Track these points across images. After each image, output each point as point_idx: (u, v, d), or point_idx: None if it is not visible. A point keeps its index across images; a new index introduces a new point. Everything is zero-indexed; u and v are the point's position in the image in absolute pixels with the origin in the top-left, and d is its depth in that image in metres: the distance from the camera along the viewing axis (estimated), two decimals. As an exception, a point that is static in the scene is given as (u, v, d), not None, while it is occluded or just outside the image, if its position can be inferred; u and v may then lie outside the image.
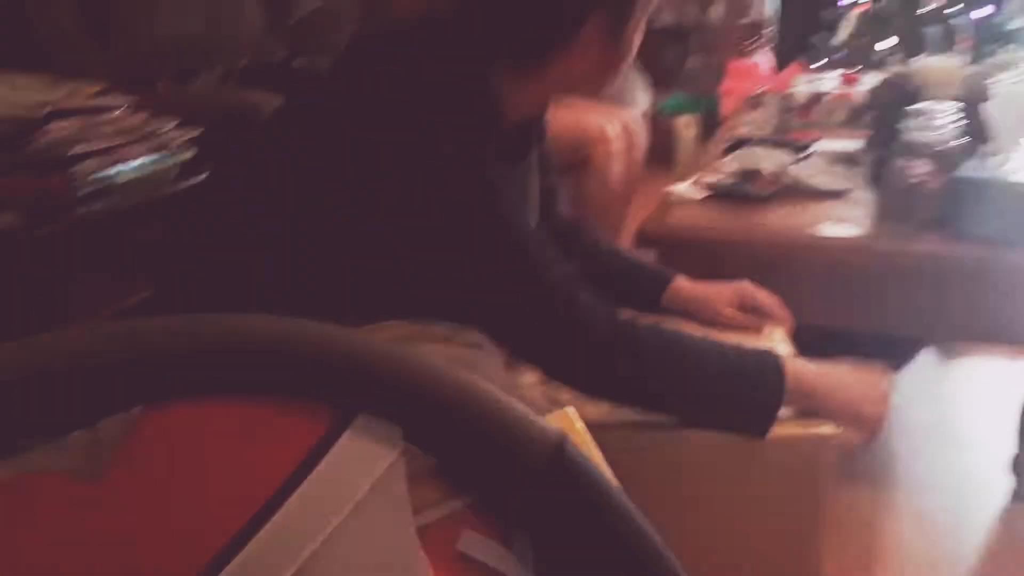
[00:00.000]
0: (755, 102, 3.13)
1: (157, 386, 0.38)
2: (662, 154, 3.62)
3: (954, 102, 1.41)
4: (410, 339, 0.60)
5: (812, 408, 0.87)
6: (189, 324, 0.39)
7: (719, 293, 1.13)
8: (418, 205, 0.79)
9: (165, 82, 1.88)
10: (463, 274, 0.81)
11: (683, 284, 1.15)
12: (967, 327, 1.30)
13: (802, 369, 0.88)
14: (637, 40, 0.93)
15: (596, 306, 0.85)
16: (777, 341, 1.10)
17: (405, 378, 0.39)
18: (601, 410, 0.88)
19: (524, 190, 1.00)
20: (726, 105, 3.42)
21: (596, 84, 0.93)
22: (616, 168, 2.06)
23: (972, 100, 1.47)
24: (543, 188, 1.12)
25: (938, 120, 1.35)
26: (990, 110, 1.39)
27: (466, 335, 0.78)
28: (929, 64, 1.62)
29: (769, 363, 0.86)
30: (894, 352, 1.77)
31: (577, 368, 0.84)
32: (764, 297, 1.13)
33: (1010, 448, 1.38)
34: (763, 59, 3.73)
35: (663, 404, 0.86)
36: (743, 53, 3.75)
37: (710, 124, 3.50)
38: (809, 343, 1.10)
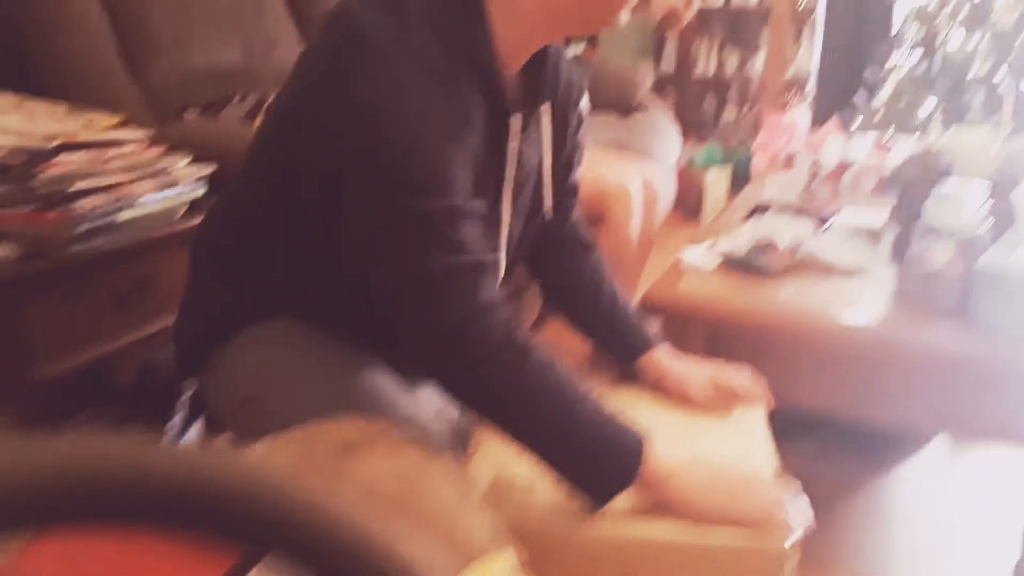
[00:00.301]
0: (788, 160, 3.09)
1: (47, 510, 0.35)
2: (691, 206, 3.59)
3: (984, 183, 1.37)
4: (361, 441, 0.57)
5: (670, 504, 0.82)
6: (92, 446, 0.37)
7: (694, 371, 1.09)
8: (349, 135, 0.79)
9: (193, 113, 1.90)
10: (360, 227, 0.82)
11: (662, 355, 1.10)
12: (982, 424, 1.23)
13: (667, 463, 0.83)
14: None
15: (496, 308, 0.81)
16: (750, 426, 1.05)
17: (320, 523, 0.36)
18: (553, 500, 0.85)
19: (498, 155, 0.93)
20: (759, 160, 3.38)
21: (589, 8, 0.88)
22: (634, 224, 2.03)
23: (1004, 181, 1.42)
24: (560, 182, 1.07)
25: (964, 203, 1.30)
26: (1021, 195, 1.34)
27: (423, 438, 0.75)
28: (963, 139, 1.57)
29: (631, 443, 0.82)
30: (901, 440, 1.71)
31: (449, 363, 0.82)
32: (742, 381, 1.08)
33: (1015, 553, 1.31)
34: (801, 116, 3.69)
35: (516, 431, 0.83)
36: (781, 108, 3.71)
37: (742, 178, 3.46)
38: (799, 427, 1.05)
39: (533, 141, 0.98)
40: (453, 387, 0.84)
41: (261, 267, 0.96)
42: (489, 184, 0.92)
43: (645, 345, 1.11)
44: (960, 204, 1.30)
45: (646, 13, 1.83)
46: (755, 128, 3.80)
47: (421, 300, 0.81)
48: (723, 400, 1.06)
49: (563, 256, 1.15)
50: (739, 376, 1.10)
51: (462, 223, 0.81)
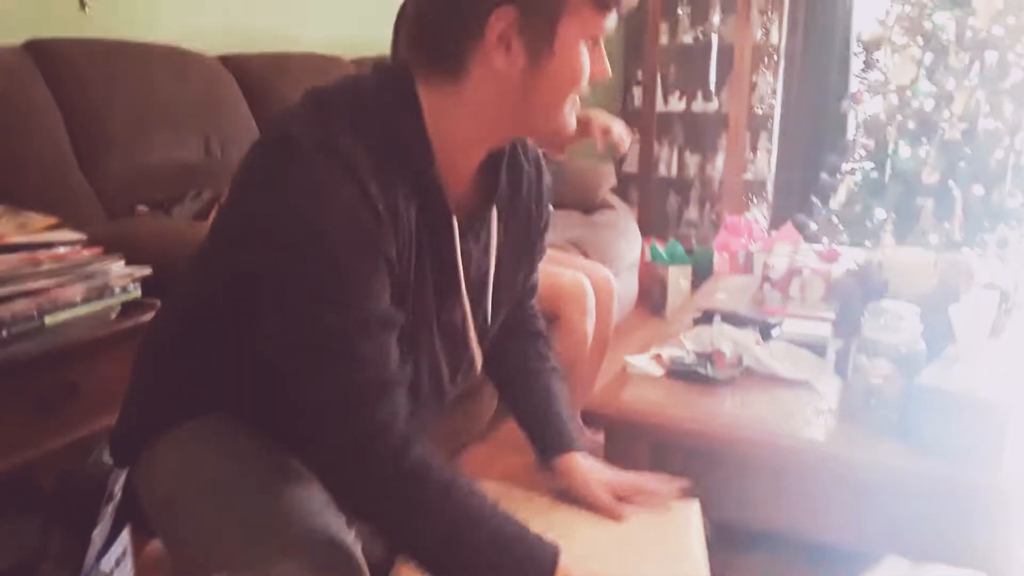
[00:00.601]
0: (747, 260, 3.14)
1: None
2: (655, 302, 3.61)
3: (920, 301, 1.38)
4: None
5: None
6: None
7: (600, 474, 1.09)
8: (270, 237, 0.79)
9: (144, 210, 1.90)
10: (273, 338, 0.81)
11: (577, 458, 1.10)
12: (922, 545, 1.21)
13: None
14: (575, 65, 0.86)
15: (395, 426, 0.80)
16: (685, 547, 1.02)
17: None
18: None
19: (445, 257, 0.91)
20: (719, 259, 3.44)
21: (527, 105, 0.87)
22: (589, 324, 2.03)
23: (941, 298, 1.44)
24: (524, 281, 1.08)
25: (901, 320, 1.31)
26: (957, 312, 1.35)
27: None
28: (900, 255, 1.61)
29: (539, 564, 0.80)
30: (856, 555, 1.67)
31: (346, 480, 0.81)
32: (654, 486, 1.08)
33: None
34: (759, 217, 3.78)
35: (416, 554, 0.82)
36: (740, 209, 3.80)
37: (704, 274, 3.50)
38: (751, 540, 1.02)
39: (485, 244, 0.98)
40: (352, 505, 0.83)
41: (197, 365, 0.95)
42: (436, 286, 0.91)
43: (565, 446, 1.11)
44: (897, 321, 1.31)
45: (589, 137, 1.89)
46: (717, 227, 3.88)
47: (322, 413, 0.79)
48: (622, 505, 1.06)
49: (508, 342, 1.15)
50: (651, 482, 1.09)
51: (373, 336, 0.80)
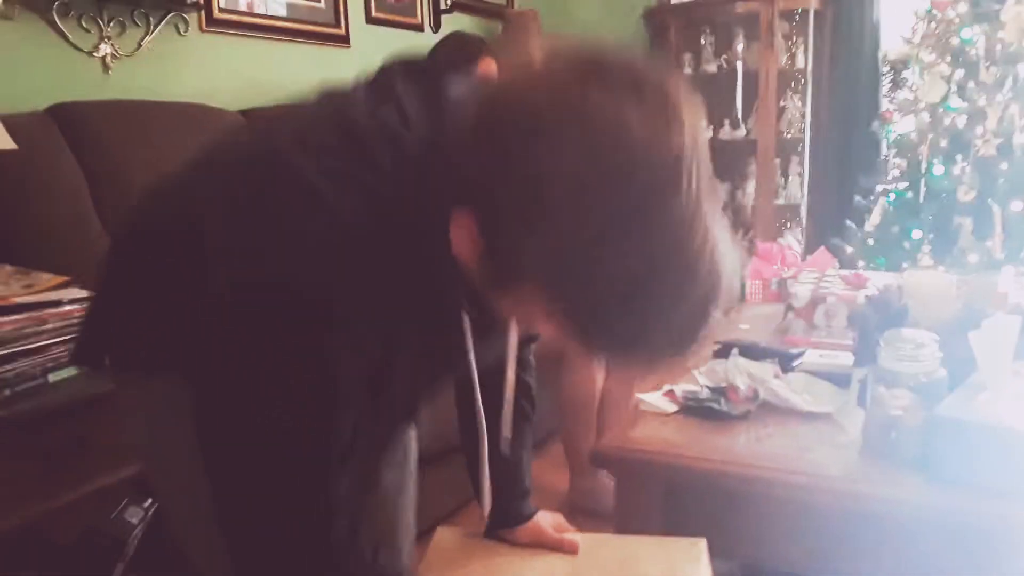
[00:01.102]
0: (780, 287, 3.07)
1: None
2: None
3: (941, 327, 1.33)
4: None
5: None
6: None
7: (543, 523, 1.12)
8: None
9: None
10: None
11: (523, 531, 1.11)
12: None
13: None
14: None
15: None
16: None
17: None
18: None
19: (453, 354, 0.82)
20: (752, 286, 3.36)
21: (477, 284, 0.72)
22: (596, 363, 2.00)
23: (963, 323, 1.38)
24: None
25: (920, 349, 1.26)
26: (976, 338, 1.29)
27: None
28: (921, 280, 1.55)
29: None
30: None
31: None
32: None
33: None
34: (794, 242, 3.70)
35: None
36: (774, 235, 3.73)
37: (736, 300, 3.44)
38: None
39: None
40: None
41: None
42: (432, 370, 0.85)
43: (524, 518, 1.11)
44: (916, 349, 1.26)
45: None
46: (750, 253, 3.81)
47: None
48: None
49: None
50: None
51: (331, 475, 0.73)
